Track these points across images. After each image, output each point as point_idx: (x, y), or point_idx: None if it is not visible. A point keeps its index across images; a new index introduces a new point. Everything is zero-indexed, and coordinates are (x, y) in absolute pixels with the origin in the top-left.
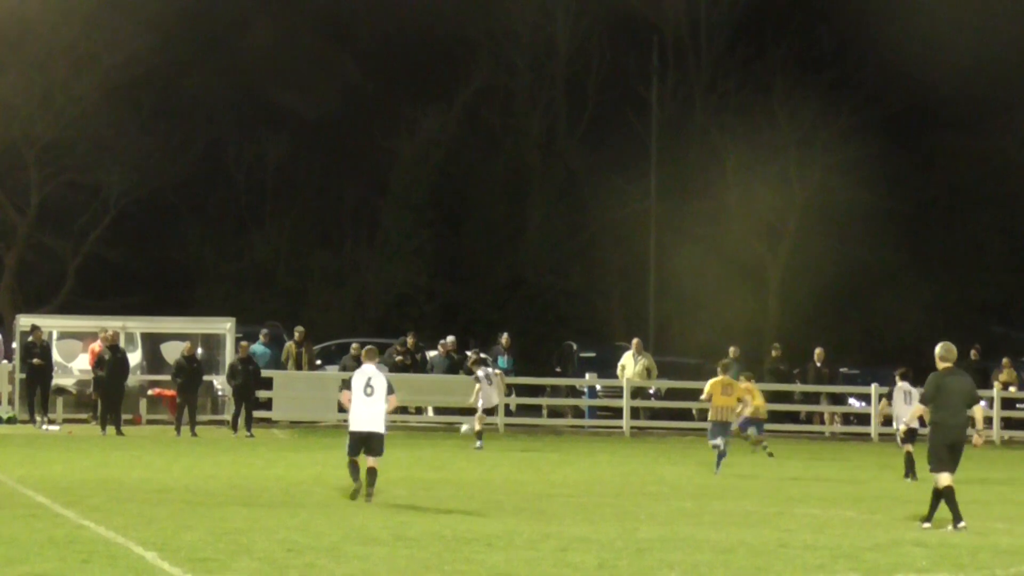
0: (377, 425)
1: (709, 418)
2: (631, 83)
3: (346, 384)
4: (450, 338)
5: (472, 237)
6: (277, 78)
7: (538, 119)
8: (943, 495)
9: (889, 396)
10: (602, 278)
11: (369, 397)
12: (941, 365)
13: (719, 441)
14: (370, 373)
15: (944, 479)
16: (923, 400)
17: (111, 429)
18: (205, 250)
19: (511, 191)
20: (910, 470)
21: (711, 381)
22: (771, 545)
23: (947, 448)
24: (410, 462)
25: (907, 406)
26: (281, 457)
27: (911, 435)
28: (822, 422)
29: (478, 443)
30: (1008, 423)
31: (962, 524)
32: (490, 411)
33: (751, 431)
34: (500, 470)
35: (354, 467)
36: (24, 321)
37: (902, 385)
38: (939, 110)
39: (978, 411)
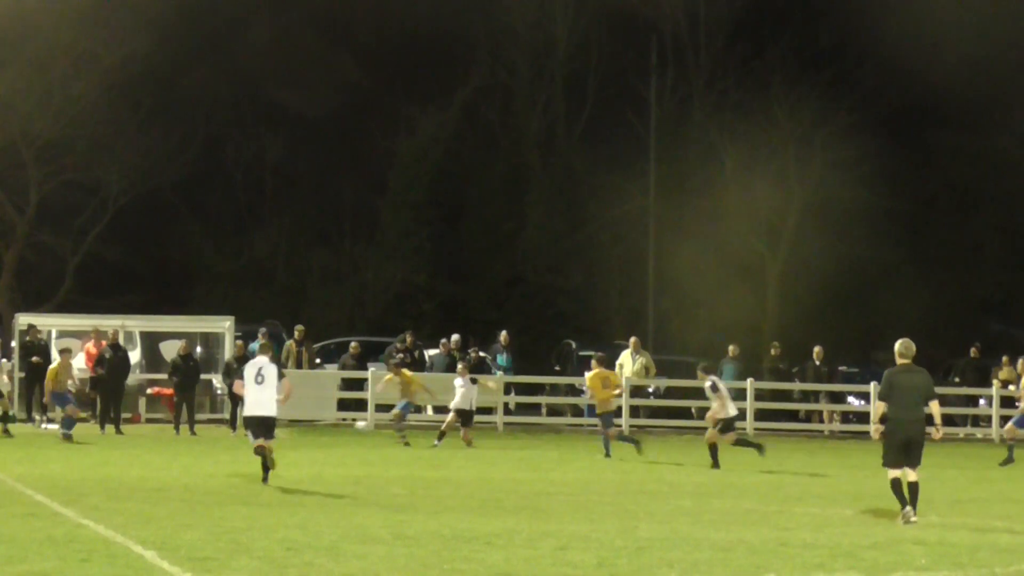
0: (270, 409)
1: (600, 410)
2: (630, 81)
3: (239, 374)
4: (455, 336)
5: (471, 235)
6: (276, 77)
7: (537, 117)
8: (891, 486)
9: (714, 388)
10: (601, 276)
11: (260, 385)
12: (900, 361)
13: (614, 430)
14: (261, 364)
15: (893, 473)
16: (880, 397)
17: (110, 428)
18: (204, 248)
19: (510, 189)
20: (715, 460)
21: (590, 376)
22: (770, 544)
23: (901, 444)
24: (409, 461)
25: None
26: (280, 456)
27: (728, 425)
28: (821, 420)
29: (436, 442)
30: (1008, 421)
31: (907, 508)
32: (466, 415)
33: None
34: (499, 469)
35: (263, 450)
36: (23, 320)
37: (708, 379)
38: (938, 108)
39: (934, 406)
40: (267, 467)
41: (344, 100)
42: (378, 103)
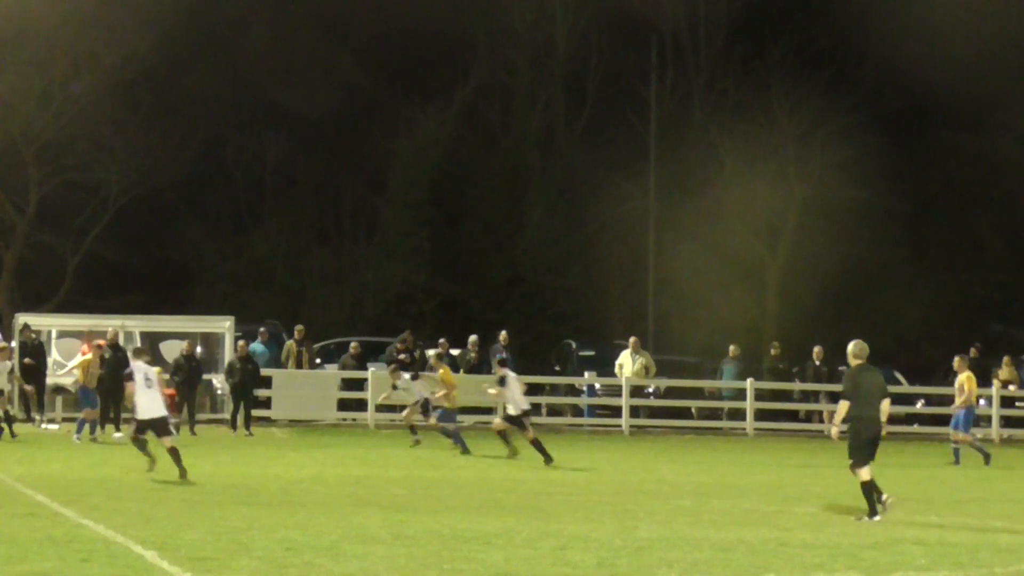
0: (161, 410)
1: (448, 407)
2: (630, 81)
3: (129, 376)
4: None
5: (471, 235)
6: (276, 76)
7: (537, 117)
8: (863, 488)
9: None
10: (601, 276)
11: (150, 389)
12: (854, 362)
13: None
14: (144, 369)
15: (864, 473)
16: (844, 396)
17: (110, 427)
18: (204, 249)
19: (510, 189)
20: (510, 447)
21: (444, 373)
22: (770, 544)
23: (868, 442)
24: (409, 461)
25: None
26: (280, 456)
27: (518, 420)
28: (821, 420)
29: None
30: (1008, 421)
31: (877, 517)
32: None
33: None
34: (499, 469)
35: (143, 443)
36: (21, 320)
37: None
38: (938, 108)
39: (886, 404)
40: (178, 461)
41: (344, 100)
42: (378, 103)
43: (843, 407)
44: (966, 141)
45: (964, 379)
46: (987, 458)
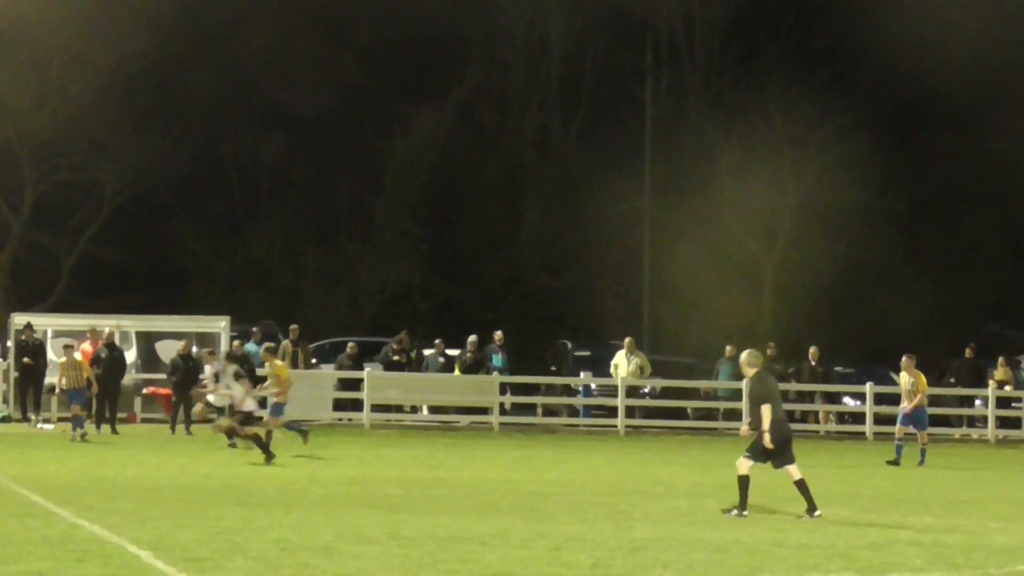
0: None
1: (281, 400)
2: (625, 81)
3: None
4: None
5: (467, 235)
6: (273, 76)
7: (532, 117)
8: (742, 482)
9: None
10: (596, 276)
11: None
12: (751, 371)
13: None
14: None
15: (749, 468)
16: (765, 400)
17: (105, 427)
18: (200, 248)
19: (505, 189)
20: (266, 451)
21: (279, 368)
22: (765, 544)
23: (786, 442)
24: (404, 461)
25: (238, 381)
26: (276, 456)
27: (248, 418)
28: (817, 421)
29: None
30: (1003, 422)
31: (740, 512)
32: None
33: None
34: (495, 469)
35: None
36: (18, 319)
37: (231, 366)
38: (934, 108)
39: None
40: None
41: (340, 100)
42: (374, 103)
43: (767, 411)
44: (962, 142)
45: (918, 380)
46: (897, 461)
